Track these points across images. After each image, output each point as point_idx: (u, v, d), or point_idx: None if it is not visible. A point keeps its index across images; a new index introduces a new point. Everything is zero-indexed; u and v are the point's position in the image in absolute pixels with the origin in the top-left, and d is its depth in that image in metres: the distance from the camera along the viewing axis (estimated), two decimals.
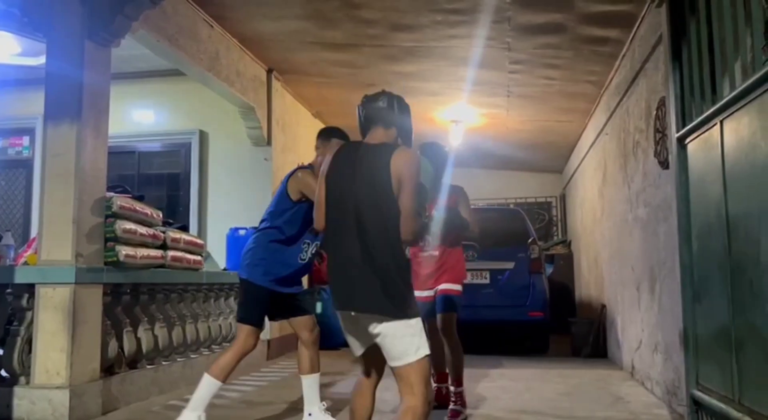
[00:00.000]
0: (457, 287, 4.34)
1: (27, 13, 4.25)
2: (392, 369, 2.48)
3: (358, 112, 2.70)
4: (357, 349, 2.62)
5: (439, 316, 4.24)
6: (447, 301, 4.25)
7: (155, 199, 6.63)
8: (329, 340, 7.83)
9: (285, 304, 3.75)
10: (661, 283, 4.58)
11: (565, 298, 9.74)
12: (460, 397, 4.17)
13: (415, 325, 2.42)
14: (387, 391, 4.46)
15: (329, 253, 2.59)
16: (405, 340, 2.39)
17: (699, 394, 3.48)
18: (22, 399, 3.86)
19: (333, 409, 4.27)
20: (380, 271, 2.39)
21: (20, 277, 4.02)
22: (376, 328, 2.41)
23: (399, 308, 2.39)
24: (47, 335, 3.89)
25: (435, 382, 4.40)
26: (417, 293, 3.90)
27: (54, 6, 4.19)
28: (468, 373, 5.87)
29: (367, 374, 2.67)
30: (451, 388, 4.23)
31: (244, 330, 3.71)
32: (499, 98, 7.48)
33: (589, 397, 4.80)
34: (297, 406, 4.41)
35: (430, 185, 2.78)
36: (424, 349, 2.42)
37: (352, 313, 2.48)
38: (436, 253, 4.27)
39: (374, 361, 2.62)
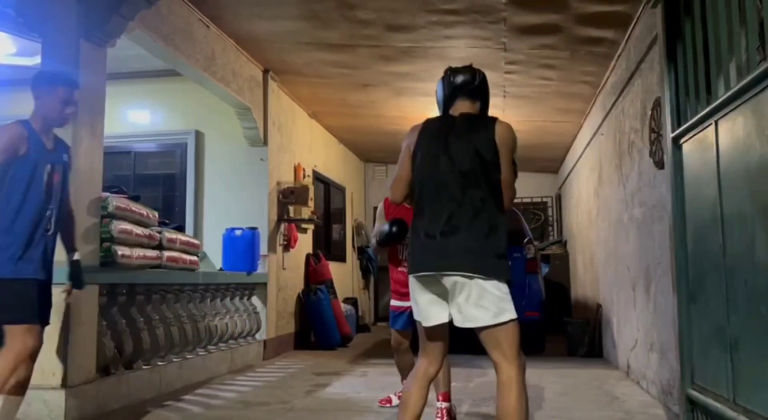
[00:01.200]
0: None
1: (22, 12, 4.23)
2: (482, 335, 2.57)
3: (442, 84, 2.73)
4: (434, 319, 2.65)
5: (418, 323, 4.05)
6: None
7: (151, 200, 6.62)
8: (327, 340, 7.86)
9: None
10: (657, 283, 4.59)
11: (561, 298, 9.76)
12: (448, 414, 3.83)
13: (508, 291, 2.57)
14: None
15: (420, 223, 2.63)
16: (504, 300, 2.53)
17: (694, 393, 3.50)
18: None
19: (329, 410, 4.28)
20: (489, 233, 2.51)
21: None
22: (480, 284, 2.50)
23: (503, 270, 2.54)
24: (43, 335, 3.87)
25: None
26: (397, 303, 3.90)
27: (49, 6, 4.18)
28: (464, 373, 5.88)
29: (430, 362, 2.69)
30: (437, 404, 3.84)
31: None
32: (495, 99, 7.47)
33: (585, 397, 4.81)
34: (293, 407, 4.41)
35: None
36: (514, 314, 2.55)
37: (450, 278, 2.53)
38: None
39: (440, 346, 2.70)
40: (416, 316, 2.70)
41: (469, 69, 2.74)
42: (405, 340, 3.98)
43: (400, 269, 3.93)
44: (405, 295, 3.81)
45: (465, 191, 2.53)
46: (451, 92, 2.70)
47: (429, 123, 2.72)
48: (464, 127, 2.60)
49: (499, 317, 2.53)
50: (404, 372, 3.96)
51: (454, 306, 2.59)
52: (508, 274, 2.56)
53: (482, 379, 5.62)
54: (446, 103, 2.72)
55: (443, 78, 2.75)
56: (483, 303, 2.52)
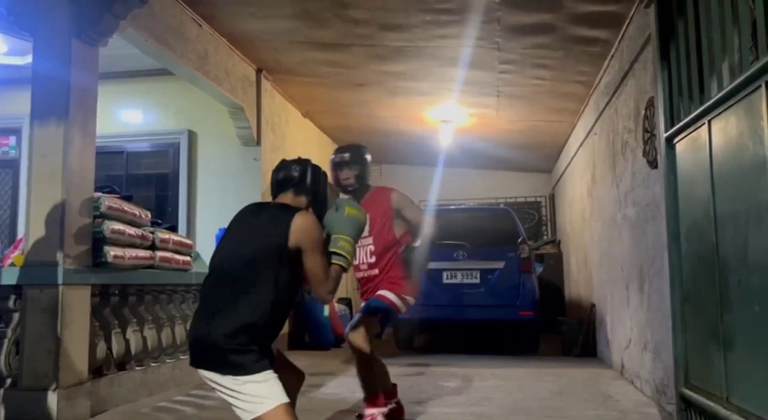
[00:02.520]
0: (392, 297, 3.64)
1: (13, 11, 4.21)
2: None
3: (271, 179, 2.75)
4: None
5: (357, 315, 3.70)
6: (371, 305, 3.64)
7: (144, 200, 6.59)
8: (320, 340, 7.84)
9: None
10: (650, 282, 4.60)
11: (555, 297, 9.77)
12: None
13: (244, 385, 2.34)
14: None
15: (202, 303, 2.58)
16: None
17: (688, 392, 3.50)
18: (9, 401, 3.83)
19: (323, 410, 4.27)
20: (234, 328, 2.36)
21: (7, 279, 3.98)
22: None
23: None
24: (35, 337, 3.85)
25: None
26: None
27: (41, 5, 4.16)
28: (459, 373, 5.89)
29: None
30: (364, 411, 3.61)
31: None
32: (488, 98, 7.50)
33: (579, 396, 4.82)
34: None
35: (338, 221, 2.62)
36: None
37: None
38: (375, 271, 3.72)
39: None
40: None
41: (295, 164, 2.72)
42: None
43: (357, 274, 3.84)
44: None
45: (236, 279, 2.44)
46: (275, 185, 2.72)
47: (247, 207, 2.73)
48: (266, 214, 2.59)
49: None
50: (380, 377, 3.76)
51: None
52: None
53: (479, 379, 5.63)
54: (272, 195, 2.74)
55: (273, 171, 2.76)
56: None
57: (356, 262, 3.71)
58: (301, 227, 2.44)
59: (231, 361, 2.33)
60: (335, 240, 2.55)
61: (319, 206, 2.71)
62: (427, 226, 3.74)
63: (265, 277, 2.39)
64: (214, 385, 2.42)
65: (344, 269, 2.56)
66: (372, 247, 3.68)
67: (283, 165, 2.73)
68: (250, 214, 2.64)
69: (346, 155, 3.74)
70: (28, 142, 4.32)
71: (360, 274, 3.78)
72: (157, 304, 5.05)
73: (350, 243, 2.58)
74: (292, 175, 2.68)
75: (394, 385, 3.90)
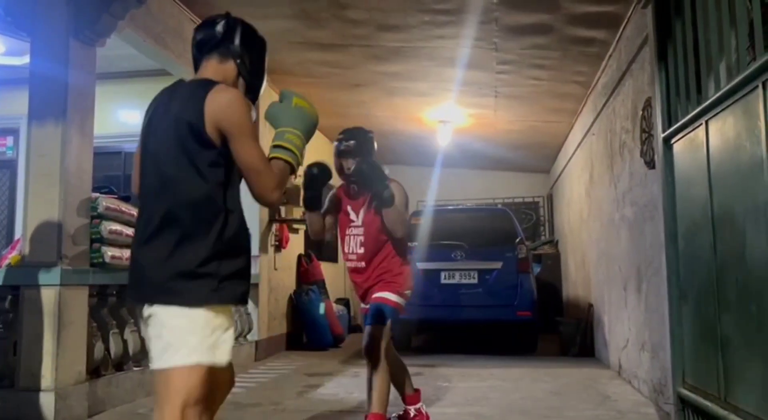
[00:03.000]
0: (393, 297, 3.44)
1: (11, 12, 4.20)
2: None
3: (192, 40, 2.12)
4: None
5: (365, 330, 3.45)
6: (376, 311, 3.43)
7: None
8: (319, 341, 7.84)
9: None
10: (648, 283, 4.61)
11: (553, 297, 9.78)
12: None
13: (198, 318, 1.83)
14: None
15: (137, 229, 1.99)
16: (174, 333, 1.82)
17: (685, 392, 3.51)
18: (6, 402, 3.82)
19: (321, 410, 4.27)
20: (178, 244, 1.84)
21: (4, 279, 3.97)
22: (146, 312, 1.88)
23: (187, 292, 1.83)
24: (32, 337, 3.85)
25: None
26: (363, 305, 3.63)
27: (38, 5, 4.15)
28: (457, 373, 5.89)
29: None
30: None
31: None
32: (486, 98, 7.50)
33: (577, 396, 4.82)
34: (285, 408, 4.40)
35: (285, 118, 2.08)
36: (187, 359, 1.81)
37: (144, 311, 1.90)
38: (362, 264, 3.50)
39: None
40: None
41: (221, 19, 2.13)
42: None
43: (348, 265, 3.59)
44: (362, 298, 3.61)
45: (160, 186, 1.90)
46: (195, 50, 2.11)
47: (161, 92, 2.13)
48: (178, 97, 1.97)
49: (161, 358, 1.84)
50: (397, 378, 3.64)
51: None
52: (200, 297, 1.83)
53: (476, 379, 5.63)
54: (195, 64, 2.12)
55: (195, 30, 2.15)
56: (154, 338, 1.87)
57: (346, 251, 3.54)
58: (218, 104, 1.84)
59: (170, 289, 1.82)
60: (280, 133, 2.00)
61: (253, 80, 2.12)
62: (401, 230, 3.42)
63: (190, 174, 1.85)
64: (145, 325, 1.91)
65: (292, 168, 1.98)
66: (362, 238, 3.47)
67: (205, 22, 2.13)
68: (161, 102, 2.05)
69: (352, 143, 3.49)
70: (25, 143, 4.31)
71: (350, 265, 3.56)
72: None
73: (299, 137, 2.00)
74: (215, 33, 2.06)
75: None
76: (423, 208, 9.15)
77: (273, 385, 5.38)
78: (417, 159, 10.97)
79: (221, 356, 1.91)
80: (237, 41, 2.08)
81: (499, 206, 10.71)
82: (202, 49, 2.07)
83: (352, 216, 3.55)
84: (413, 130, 9.16)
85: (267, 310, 7.11)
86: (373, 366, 3.35)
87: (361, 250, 3.48)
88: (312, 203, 3.45)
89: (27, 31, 4.24)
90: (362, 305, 3.66)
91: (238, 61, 2.07)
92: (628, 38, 4.97)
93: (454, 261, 7.35)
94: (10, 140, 7.70)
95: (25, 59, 4.43)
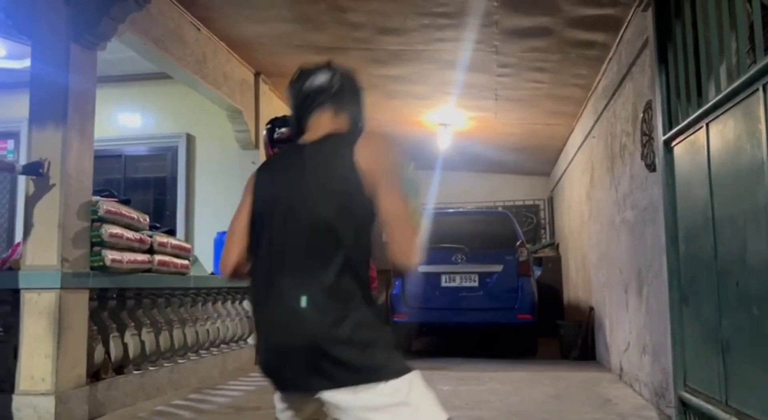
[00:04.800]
0: None
1: (11, 15, 4.21)
2: None
3: (290, 95, 1.87)
4: None
5: None
6: None
7: (142, 203, 6.58)
8: None
9: None
10: (649, 285, 4.60)
11: (554, 300, 9.77)
12: None
13: (404, 388, 1.57)
14: None
15: (257, 307, 1.71)
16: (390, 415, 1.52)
17: (687, 395, 3.50)
18: (6, 405, 3.81)
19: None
20: (347, 318, 1.55)
21: (5, 283, 3.97)
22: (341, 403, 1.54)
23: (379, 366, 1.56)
24: (32, 341, 3.84)
25: None
26: None
27: (39, 8, 4.15)
28: (457, 376, 5.88)
29: None
30: None
31: None
32: (487, 101, 7.50)
33: (577, 400, 4.81)
34: None
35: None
36: None
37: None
38: None
39: None
40: None
41: (324, 70, 1.88)
42: None
43: None
44: None
45: (313, 256, 1.60)
46: (300, 104, 1.83)
47: (274, 157, 1.90)
48: (314, 156, 1.70)
49: None
50: None
51: None
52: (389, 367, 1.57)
53: (477, 383, 5.62)
54: (298, 124, 1.85)
55: (288, 86, 1.89)
56: None
57: None
58: (372, 147, 1.64)
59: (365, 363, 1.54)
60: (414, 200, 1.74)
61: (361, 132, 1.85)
62: None
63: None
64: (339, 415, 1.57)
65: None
66: None
67: (305, 72, 1.86)
68: (286, 166, 1.75)
69: (286, 131, 3.13)
70: (26, 146, 4.31)
71: None
72: (155, 307, 5.04)
73: (420, 213, 1.77)
74: (327, 86, 1.82)
75: None
76: (423, 211, 9.13)
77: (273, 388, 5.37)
78: (417, 162, 10.86)
79: None
80: (353, 94, 1.90)
81: (500, 209, 10.71)
82: (312, 102, 1.82)
83: None
84: (414, 133, 9.16)
85: None
86: None
87: None
88: None
89: (28, 34, 4.24)
90: None
91: (353, 114, 1.88)
92: (629, 41, 4.98)
93: (454, 264, 7.34)
94: (10, 144, 7.70)
95: (26, 63, 4.44)
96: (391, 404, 1.53)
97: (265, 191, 1.75)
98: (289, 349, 1.57)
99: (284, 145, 3.04)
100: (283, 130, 3.12)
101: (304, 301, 1.55)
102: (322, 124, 1.79)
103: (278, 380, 1.68)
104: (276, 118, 3.25)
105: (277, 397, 1.73)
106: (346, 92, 1.86)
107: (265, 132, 3.20)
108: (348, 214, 1.59)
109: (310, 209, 1.61)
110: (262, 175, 1.82)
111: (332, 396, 1.54)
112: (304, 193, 1.64)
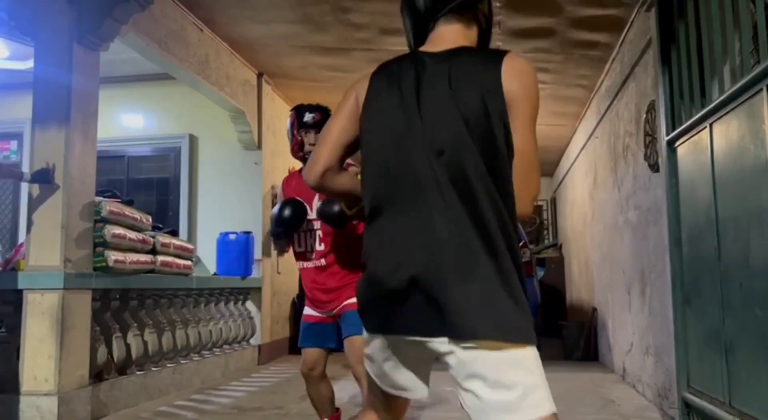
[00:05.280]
0: None
1: (15, 16, 4.21)
2: None
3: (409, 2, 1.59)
4: (413, 390, 1.55)
5: (346, 341, 2.93)
6: (356, 319, 2.73)
7: (145, 204, 6.59)
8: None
9: None
10: (652, 286, 4.59)
11: (556, 301, 9.76)
12: None
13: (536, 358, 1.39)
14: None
15: (372, 240, 1.48)
16: (530, 380, 1.38)
17: (690, 396, 3.49)
18: (9, 406, 3.82)
19: None
20: (500, 261, 1.34)
21: (8, 283, 3.97)
22: (481, 358, 1.35)
23: (526, 325, 1.37)
24: (35, 341, 3.85)
25: None
26: (308, 311, 3.08)
27: (42, 9, 4.16)
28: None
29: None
30: None
31: None
32: None
33: (580, 401, 4.80)
34: (288, 412, 4.39)
35: None
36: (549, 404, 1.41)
37: (436, 344, 1.40)
38: (322, 262, 2.95)
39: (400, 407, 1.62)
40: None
41: None
42: (318, 363, 3.07)
43: (305, 265, 3.01)
44: (315, 303, 3.03)
45: (457, 183, 1.37)
46: (430, 6, 1.55)
47: (384, 67, 1.61)
48: (451, 68, 1.44)
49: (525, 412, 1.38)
50: (323, 407, 3.20)
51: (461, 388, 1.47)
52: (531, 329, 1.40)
53: None
54: (416, 34, 1.61)
55: None
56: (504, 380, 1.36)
57: (298, 250, 3.00)
58: (520, 72, 1.44)
59: (510, 318, 1.34)
60: None
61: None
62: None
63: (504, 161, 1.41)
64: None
65: None
66: (320, 232, 2.93)
67: None
68: (421, 67, 1.49)
69: (316, 115, 3.02)
70: (29, 147, 4.32)
71: (306, 265, 3.01)
72: (157, 308, 5.05)
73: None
74: None
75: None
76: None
77: (276, 389, 5.37)
78: None
79: None
80: (485, 2, 1.61)
81: None
82: (442, 7, 1.54)
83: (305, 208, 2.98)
84: None
85: (270, 314, 7.11)
86: (362, 382, 2.83)
87: (321, 247, 2.93)
88: (281, 237, 2.99)
89: (31, 35, 4.25)
90: (311, 312, 3.06)
91: (484, 26, 1.61)
92: (632, 41, 4.97)
93: None
94: (13, 144, 7.71)
95: (29, 63, 4.45)
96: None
97: (388, 101, 1.49)
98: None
99: (312, 129, 2.98)
100: (314, 114, 3.03)
101: None
102: (452, 35, 1.53)
103: None
104: (302, 105, 3.15)
105: None
106: (483, 3, 1.60)
107: (290, 117, 3.08)
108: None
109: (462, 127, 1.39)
110: (378, 81, 1.55)
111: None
112: (449, 108, 1.40)
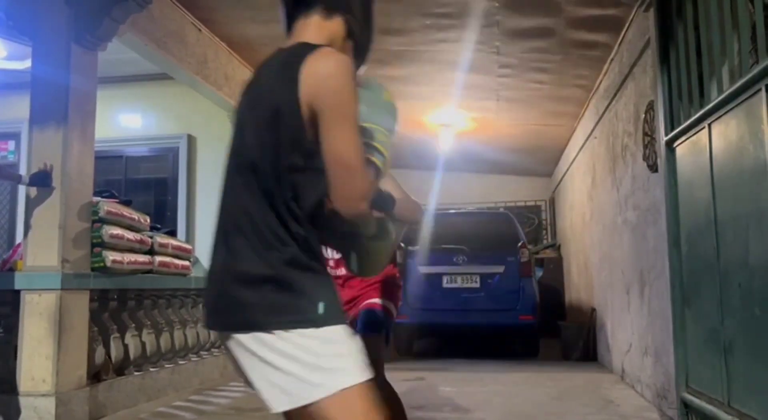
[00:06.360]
0: (385, 303, 2.82)
1: (12, 16, 4.21)
2: None
3: None
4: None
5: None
6: (371, 317, 2.75)
7: (143, 204, 6.58)
8: None
9: None
10: (651, 286, 4.59)
11: (555, 301, 9.76)
12: None
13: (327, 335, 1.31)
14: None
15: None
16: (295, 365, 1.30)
17: (689, 397, 3.49)
18: (7, 407, 3.81)
19: None
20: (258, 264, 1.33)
21: (5, 284, 3.97)
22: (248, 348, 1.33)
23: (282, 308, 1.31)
24: (33, 342, 3.84)
25: None
26: None
27: (40, 9, 4.15)
28: (459, 378, 5.87)
29: None
30: None
31: None
32: (488, 102, 7.49)
33: (579, 401, 4.80)
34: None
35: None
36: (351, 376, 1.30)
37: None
38: (341, 271, 2.78)
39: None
40: None
41: None
42: None
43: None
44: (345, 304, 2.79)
45: (242, 188, 1.39)
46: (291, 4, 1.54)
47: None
48: (268, 70, 1.45)
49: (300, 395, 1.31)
50: None
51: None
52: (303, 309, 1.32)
53: (479, 384, 5.61)
54: (288, 28, 1.57)
55: None
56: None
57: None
58: (316, 73, 1.31)
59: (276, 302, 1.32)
60: (369, 131, 1.47)
61: (363, 41, 1.55)
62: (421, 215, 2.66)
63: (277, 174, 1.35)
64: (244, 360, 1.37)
65: (378, 173, 1.47)
66: None
67: None
68: (258, 72, 1.52)
69: None
70: (27, 147, 4.31)
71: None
72: (155, 309, 5.04)
73: (388, 139, 1.51)
74: None
75: None
76: (425, 212, 9.13)
77: None
78: (419, 163, 10.96)
79: None
80: None
81: (501, 210, 10.69)
82: (296, 8, 1.51)
83: None
84: (415, 133, 9.15)
85: None
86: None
87: (339, 256, 2.60)
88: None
89: (29, 35, 4.24)
90: None
91: (349, 15, 1.50)
92: (630, 41, 4.97)
93: (456, 265, 7.34)
94: (11, 145, 7.71)
95: (27, 63, 4.44)
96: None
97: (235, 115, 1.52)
98: None
99: None
100: None
101: None
102: (305, 31, 1.47)
103: None
104: None
105: None
106: None
107: None
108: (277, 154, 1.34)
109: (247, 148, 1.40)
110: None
111: None
112: (244, 127, 1.42)
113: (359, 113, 1.35)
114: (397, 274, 2.94)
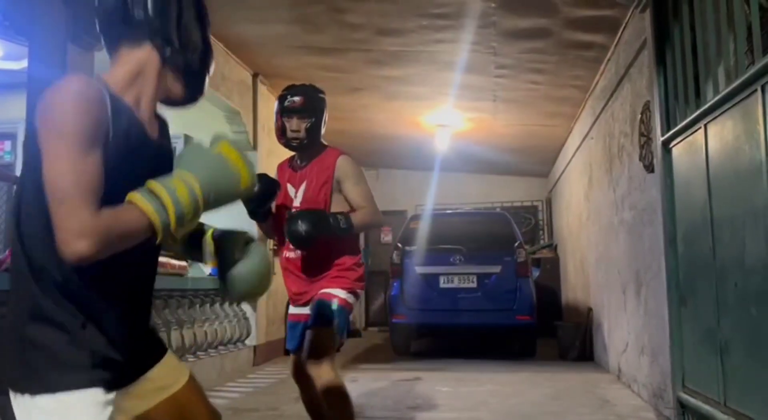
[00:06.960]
0: (342, 294, 2.72)
1: (8, 16, 4.19)
2: None
3: None
4: None
5: (307, 334, 2.71)
6: (322, 309, 2.67)
7: None
8: None
9: None
10: (647, 286, 4.60)
11: (552, 301, 9.77)
12: None
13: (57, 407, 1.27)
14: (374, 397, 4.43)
15: None
16: None
17: (685, 396, 3.50)
18: (4, 408, 3.80)
19: None
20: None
21: (2, 284, 3.95)
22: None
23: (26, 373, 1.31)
24: None
25: None
26: (292, 309, 2.93)
27: (36, 9, 4.14)
28: (456, 378, 5.87)
29: None
30: None
31: None
32: (485, 102, 7.50)
33: (576, 401, 4.81)
34: (283, 413, 4.38)
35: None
36: None
37: None
38: (297, 253, 2.81)
39: None
40: None
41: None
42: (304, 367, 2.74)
43: (287, 254, 2.85)
44: (293, 297, 2.88)
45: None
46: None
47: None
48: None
49: None
50: (316, 415, 2.96)
51: None
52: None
53: (475, 384, 5.61)
54: None
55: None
56: None
57: (284, 238, 2.79)
58: (41, 102, 1.30)
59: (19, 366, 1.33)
60: (169, 177, 1.29)
61: (189, 61, 1.41)
62: (373, 216, 2.81)
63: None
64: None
65: (152, 227, 1.24)
66: None
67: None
68: None
69: (298, 99, 2.85)
70: (23, 147, 4.29)
71: (286, 255, 2.85)
72: (152, 309, 5.02)
73: (192, 189, 1.27)
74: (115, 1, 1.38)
75: None
76: (421, 212, 9.14)
77: (271, 390, 5.36)
78: (415, 163, 10.98)
79: None
80: (149, 7, 1.35)
81: (498, 210, 10.71)
82: (107, 34, 1.42)
83: (291, 193, 2.88)
84: (412, 134, 9.16)
85: (265, 314, 7.10)
86: (322, 384, 2.63)
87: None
88: (257, 217, 2.81)
89: (25, 35, 4.23)
90: (291, 309, 2.93)
91: (157, 40, 1.36)
92: (627, 42, 4.98)
93: (452, 265, 7.34)
94: (7, 145, 7.68)
95: (23, 63, 4.43)
96: None
97: None
98: None
99: (294, 114, 2.84)
100: (296, 98, 2.85)
101: None
102: (113, 63, 1.41)
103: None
104: (292, 86, 2.99)
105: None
106: (145, 11, 1.35)
107: (277, 100, 2.93)
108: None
109: None
110: None
111: None
112: None
113: (94, 141, 1.24)
114: (358, 260, 2.85)
